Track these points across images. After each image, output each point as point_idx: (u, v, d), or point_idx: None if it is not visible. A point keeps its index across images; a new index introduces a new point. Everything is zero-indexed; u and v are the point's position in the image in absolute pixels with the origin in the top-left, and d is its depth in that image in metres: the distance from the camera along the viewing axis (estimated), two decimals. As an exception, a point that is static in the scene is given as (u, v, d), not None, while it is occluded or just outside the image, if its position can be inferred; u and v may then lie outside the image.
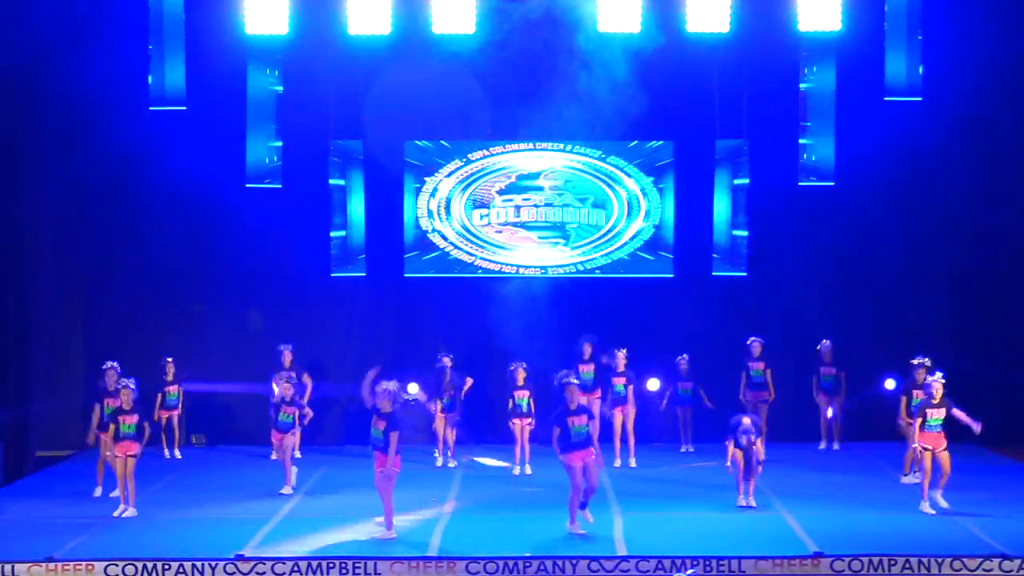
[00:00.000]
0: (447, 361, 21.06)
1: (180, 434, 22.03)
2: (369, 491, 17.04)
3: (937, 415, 17.46)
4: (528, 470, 20.54)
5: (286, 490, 19.02)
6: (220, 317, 23.34)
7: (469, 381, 21.25)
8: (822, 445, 22.32)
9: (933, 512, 17.49)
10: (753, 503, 17.96)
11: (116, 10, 22.65)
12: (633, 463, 20.94)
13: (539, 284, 23.13)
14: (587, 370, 20.98)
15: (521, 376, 20.63)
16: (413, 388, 20.92)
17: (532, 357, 21.51)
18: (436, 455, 21.19)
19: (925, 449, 17.61)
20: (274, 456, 20.49)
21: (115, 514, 17.58)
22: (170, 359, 21.87)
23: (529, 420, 20.62)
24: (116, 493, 18.26)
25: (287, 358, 21.39)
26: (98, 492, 18.92)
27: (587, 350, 21.15)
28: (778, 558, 15.16)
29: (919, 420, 17.61)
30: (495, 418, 22.22)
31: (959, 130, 22.93)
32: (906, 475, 19.34)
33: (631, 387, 20.91)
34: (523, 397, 20.63)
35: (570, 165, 23.36)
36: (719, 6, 22.25)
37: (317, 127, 23.02)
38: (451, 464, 21.04)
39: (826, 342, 22.13)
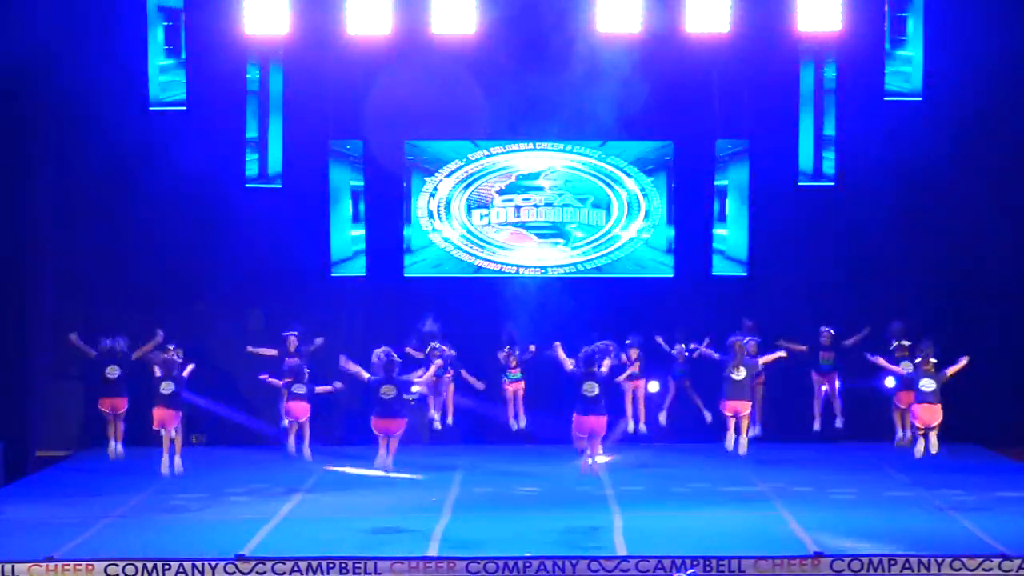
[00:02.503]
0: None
1: (182, 438, 21.84)
2: (369, 491, 17.08)
3: (929, 383, 17.45)
4: (523, 423, 20.73)
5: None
6: (220, 317, 23.34)
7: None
8: (816, 426, 22.18)
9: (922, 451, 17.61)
10: (743, 452, 18.42)
11: (116, 10, 22.65)
12: (643, 428, 21.06)
13: (539, 284, 23.14)
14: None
15: (514, 360, 21.09)
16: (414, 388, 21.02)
17: (531, 357, 21.53)
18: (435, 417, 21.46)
19: (918, 429, 17.65)
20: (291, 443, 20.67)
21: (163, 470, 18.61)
22: (171, 347, 21.77)
23: (522, 383, 21.01)
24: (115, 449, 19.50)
25: (292, 344, 21.38)
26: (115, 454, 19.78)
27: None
28: (778, 558, 15.16)
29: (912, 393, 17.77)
30: (493, 417, 22.20)
31: (959, 130, 22.91)
32: (899, 439, 19.36)
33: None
34: (515, 372, 21.08)
35: (570, 165, 23.36)
36: (719, 6, 22.25)
37: (317, 127, 23.02)
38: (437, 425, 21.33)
39: (826, 328, 22.12)
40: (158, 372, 19.09)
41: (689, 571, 14.75)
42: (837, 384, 22.13)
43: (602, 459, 16.73)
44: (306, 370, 20.34)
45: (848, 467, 20.81)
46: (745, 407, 18.25)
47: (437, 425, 21.39)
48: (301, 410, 20.08)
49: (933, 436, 17.55)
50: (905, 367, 18.89)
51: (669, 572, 14.90)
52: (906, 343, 19.87)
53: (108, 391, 19.87)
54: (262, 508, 18.04)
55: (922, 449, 17.74)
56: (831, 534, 16.17)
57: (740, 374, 18.26)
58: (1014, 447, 21.82)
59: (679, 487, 19.43)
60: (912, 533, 16.36)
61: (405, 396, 18.73)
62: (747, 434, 18.41)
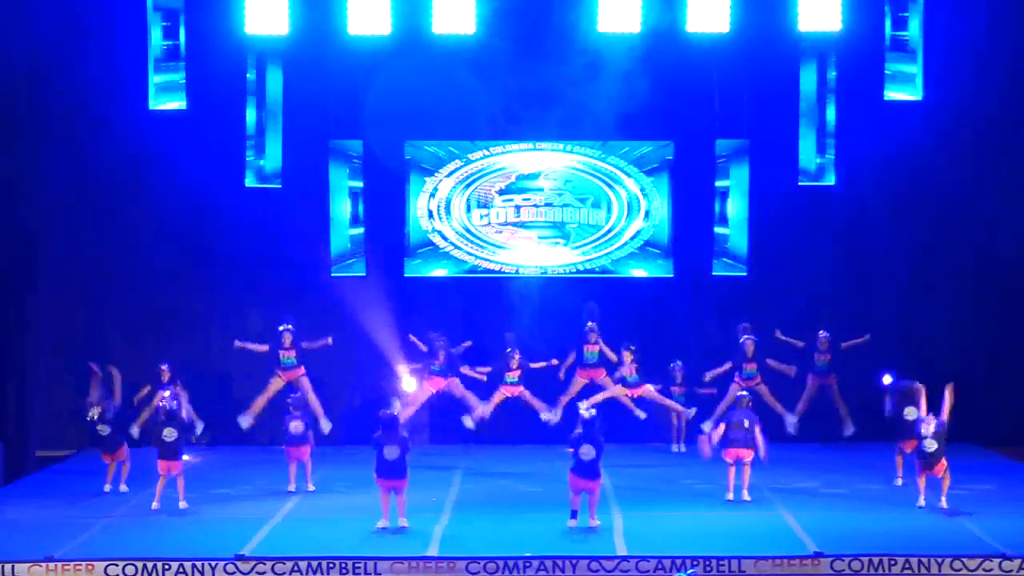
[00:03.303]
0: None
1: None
2: (369, 491, 17.07)
3: (932, 443, 17.43)
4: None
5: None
6: (220, 317, 23.35)
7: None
8: (791, 426, 21.97)
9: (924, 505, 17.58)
10: (747, 497, 18.10)
11: (115, 11, 22.66)
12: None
13: (539, 284, 23.14)
14: (592, 349, 21.32)
15: (515, 361, 21.17)
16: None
17: (531, 357, 21.51)
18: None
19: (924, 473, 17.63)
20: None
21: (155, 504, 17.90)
22: (165, 366, 21.51)
23: (520, 387, 21.19)
24: (122, 488, 18.87)
25: (287, 339, 21.27)
26: (107, 487, 19.08)
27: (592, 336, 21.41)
28: (778, 558, 15.17)
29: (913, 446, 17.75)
30: (494, 417, 22.17)
31: (959, 130, 22.93)
32: (899, 479, 19.29)
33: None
34: (514, 376, 21.16)
35: (570, 165, 23.36)
36: (719, 6, 22.27)
37: (317, 127, 23.04)
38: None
39: (824, 333, 22.06)
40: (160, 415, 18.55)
41: (689, 571, 14.75)
42: (836, 388, 22.07)
43: (595, 522, 16.81)
44: (308, 405, 19.71)
45: (848, 467, 20.79)
46: (747, 454, 18.21)
47: (470, 424, 21.39)
48: (302, 452, 19.04)
49: (944, 484, 17.52)
50: (910, 412, 18.76)
51: (669, 572, 14.90)
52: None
53: (103, 446, 19.23)
54: (262, 508, 18.03)
55: (924, 503, 17.67)
56: (831, 534, 16.17)
57: (744, 424, 18.27)
58: (1014, 447, 21.83)
59: (679, 487, 19.45)
60: (912, 533, 16.37)
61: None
62: (748, 485, 18.29)
